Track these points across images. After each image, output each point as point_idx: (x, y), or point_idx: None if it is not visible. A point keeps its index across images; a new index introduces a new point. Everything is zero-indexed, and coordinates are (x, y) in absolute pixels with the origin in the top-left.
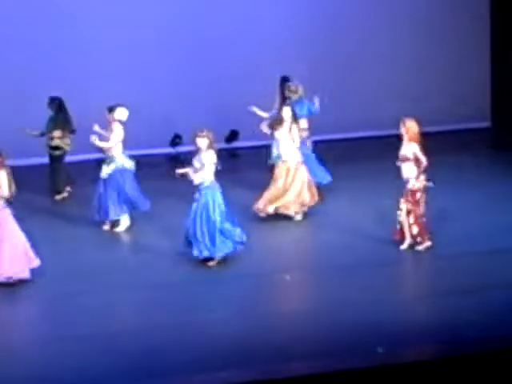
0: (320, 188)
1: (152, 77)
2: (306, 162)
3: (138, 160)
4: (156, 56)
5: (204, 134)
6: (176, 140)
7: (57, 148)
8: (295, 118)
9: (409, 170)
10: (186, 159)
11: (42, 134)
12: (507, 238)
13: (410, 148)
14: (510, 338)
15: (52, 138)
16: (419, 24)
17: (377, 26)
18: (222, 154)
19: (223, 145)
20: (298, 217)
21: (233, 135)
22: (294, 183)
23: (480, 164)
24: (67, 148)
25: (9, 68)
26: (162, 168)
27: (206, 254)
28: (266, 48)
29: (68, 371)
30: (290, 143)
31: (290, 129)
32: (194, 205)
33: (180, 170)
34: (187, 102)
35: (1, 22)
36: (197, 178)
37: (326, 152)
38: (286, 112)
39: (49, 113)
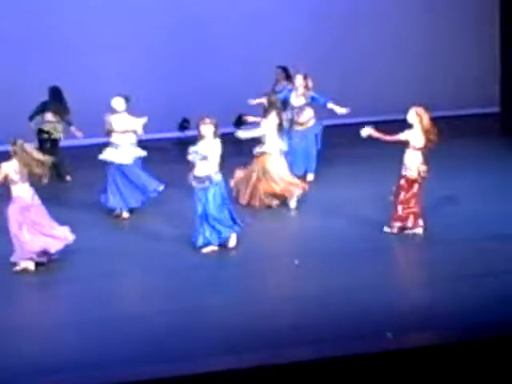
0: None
1: (159, 60)
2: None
3: (146, 145)
4: (163, 39)
5: (209, 121)
6: (184, 124)
7: (44, 132)
8: (282, 108)
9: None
10: (194, 143)
11: (30, 118)
12: None
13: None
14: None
15: (44, 122)
16: (428, 8)
17: (385, 10)
18: (228, 139)
19: (231, 129)
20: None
21: (240, 120)
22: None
23: (488, 149)
24: (56, 135)
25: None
26: (171, 152)
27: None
28: (272, 32)
29: (73, 355)
30: (274, 134)
31: (278, 119)
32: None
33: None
34: (196, 85)
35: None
36: (203, 170)
37: (334, 137)
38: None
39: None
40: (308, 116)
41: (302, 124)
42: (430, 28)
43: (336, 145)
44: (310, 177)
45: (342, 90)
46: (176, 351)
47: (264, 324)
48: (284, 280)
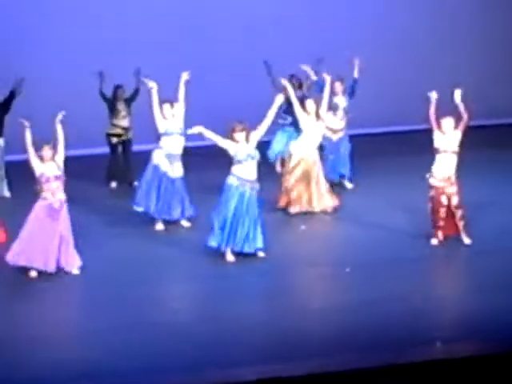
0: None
1: (204, 67)
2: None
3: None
4: (212, 42)
5: (243, 127)
6: None
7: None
8: (318, 114)
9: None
10: None
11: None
12: None
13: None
14: None
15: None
16: (474, 14)
17: (428, 15)
18: None
19: None
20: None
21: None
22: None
23: None
24: (111, 138)
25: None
26: (216, 159)
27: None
28: (308, 30)
29: (114, 361)
30: (312, 138)
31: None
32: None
33: None
34: (240, 93)
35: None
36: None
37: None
38: (310, 105)
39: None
40: (342, 125)
41: (335, 132)
42: (479, 36)
43: (377, 153)
44: (349, 185)
45: (394, 97)
46: (204, 359)
47: (307, 333)
48: (324, 288)
